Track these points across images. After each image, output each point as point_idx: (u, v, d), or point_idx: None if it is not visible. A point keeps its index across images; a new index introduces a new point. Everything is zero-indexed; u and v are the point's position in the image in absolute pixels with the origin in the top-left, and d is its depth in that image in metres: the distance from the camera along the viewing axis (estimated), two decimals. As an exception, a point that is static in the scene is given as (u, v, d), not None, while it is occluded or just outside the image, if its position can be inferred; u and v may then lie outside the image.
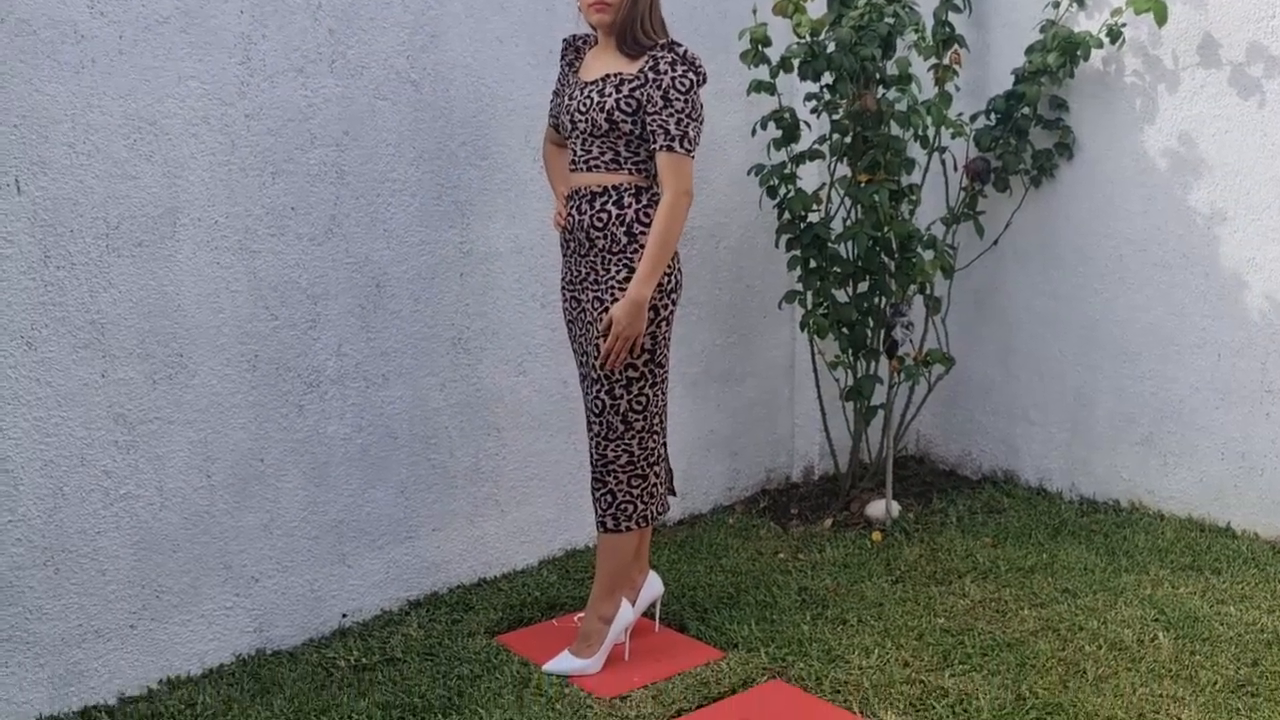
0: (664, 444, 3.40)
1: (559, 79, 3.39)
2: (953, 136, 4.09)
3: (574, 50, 3.36)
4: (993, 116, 4.31)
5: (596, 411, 3.27)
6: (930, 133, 3.96)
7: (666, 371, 3.32)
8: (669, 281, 3.23)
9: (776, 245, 4.14)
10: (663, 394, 3.32)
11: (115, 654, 3.26)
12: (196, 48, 3.20)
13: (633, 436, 3.27)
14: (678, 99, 3.11)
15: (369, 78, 3.52)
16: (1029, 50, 4.20)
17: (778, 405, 4.70)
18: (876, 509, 4.33)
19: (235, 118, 3.29)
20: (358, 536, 3.67)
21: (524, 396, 3.98)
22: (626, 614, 3.42)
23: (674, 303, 3.26)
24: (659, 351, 3.26)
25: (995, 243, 4.49)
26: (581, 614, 3.56)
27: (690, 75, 3.13)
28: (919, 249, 4.01)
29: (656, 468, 3.35)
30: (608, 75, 3.19)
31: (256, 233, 3.37)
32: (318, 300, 3.50)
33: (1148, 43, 4.03)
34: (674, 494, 3.59)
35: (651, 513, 3.37)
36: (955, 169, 4.32)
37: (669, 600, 3.76)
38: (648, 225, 3.18)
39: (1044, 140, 4.33)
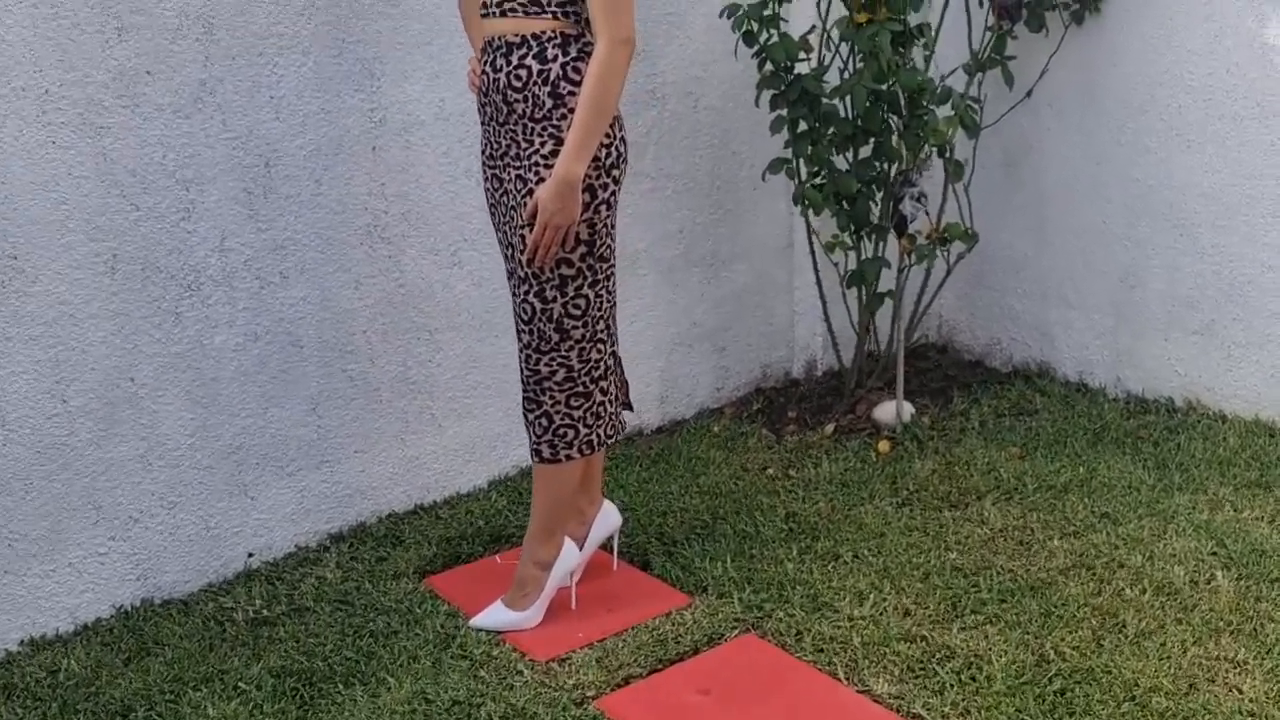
0: (613, 352, 2.78)
1: None
2: (976, -36, 3.36)
3: None
4: (1024, -62, 3.55)
5: (525, 318, 2.65)
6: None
7: (611, 265, 2.68)
8: (608, 155, 2.57)
9: (757, 103, 3.43)
10: (608, 292, 2.69)
11: (-40, 613, 2.75)
12: None
13: (570, 347, 2.66)
14: None
15: (237, -95, 2.84)
16: None
17: (774, 291, 4.04)
18: (886, 412, 3.71)
19: (61, -41, 2.64)
20: (261, 463, 3.11)
21: (460, 292, 3.36)
22: (570, 557, 2.86)
23: (615, 181, 2.61)
24: (599, 243, 2.62)
25: (1028, 94, 3.76)
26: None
27: None
28: (931, 104, 3.29)
29: (603, 382, 2.75)
30: None
31: (102, 103, 2.74)
32: (189, 185, 2.88)
33: None
34: (629, 408, 2.99)
35: (597, 437, 2.77)
36: (980, 4, 3.57)
37: (634, 529, 3.19)
38: (578, 84, 2.51)
39: (1088, -33, 3.57)
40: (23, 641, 2.84)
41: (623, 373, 2.94)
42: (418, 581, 3.03)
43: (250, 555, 3.14)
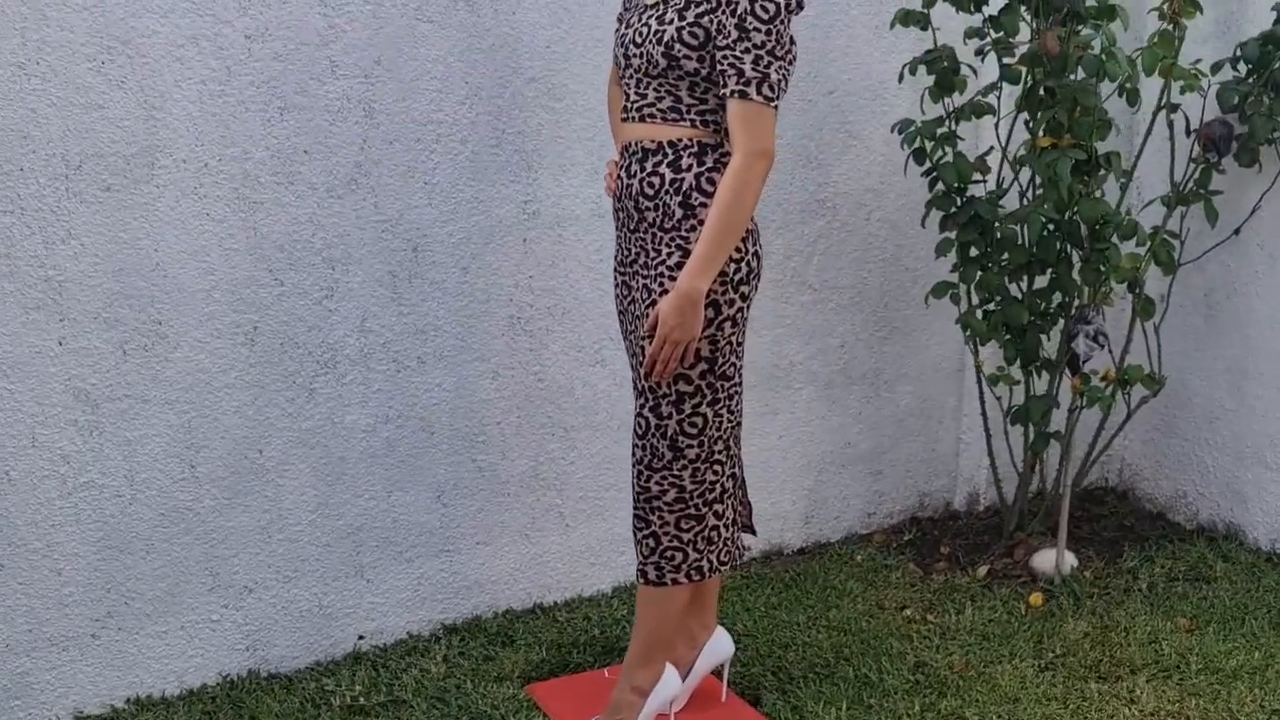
0: (733, 474, 2.64)
1: None
2: (1183, 91, 3.11)
3: None
4: (1241, 67, 3.27)
5: (640, 432, 2.55)
6: (1139, 85, 2.97)
7: (735, 385, 2.55)
8: (736, 270, 2.45)
9: (923, 224, 3.25)
10: (729, 412, 2.55)
11: (72, 665, 2.79)
12: (180, -50, 2.63)
13: (683, 467, 2.53)
14: (757, 30, 2.31)
15: (408, -6, 2.87)
16: (1301, -20, 3.14)
17: (940, 416, 3.82)
18: (1044, 560, 3.43)
19: (233, 39, 2.70)
20: (381, 546, 3.08)
21: (600, 390, 3.28)
22: (670, 685, 2.71)
23: (743, 298, 2.49)
24: (721, 360, 2.49)
25: (1236, 232, 3.46)
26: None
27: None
28: (1115, 238, 3.05)
29: (718, 505, 2.61)
30: None
31: (258, 179, 2.78)
32: (336, 264, 2.90)
33: None
34: (751, 532, 2.84)
35: (709, 563, 2.63)
36: (1187, 134, 3.31)
37: (750, 659, 3.03)
38: (711, 195, 2.41)
39: (1312, 101, 3.27)
40: (129, 699, 2.86)
41: (745, 494, 2.80)
42: (519, 687, 2.93)
43: (360, 638, 3.10)
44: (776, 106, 2.36)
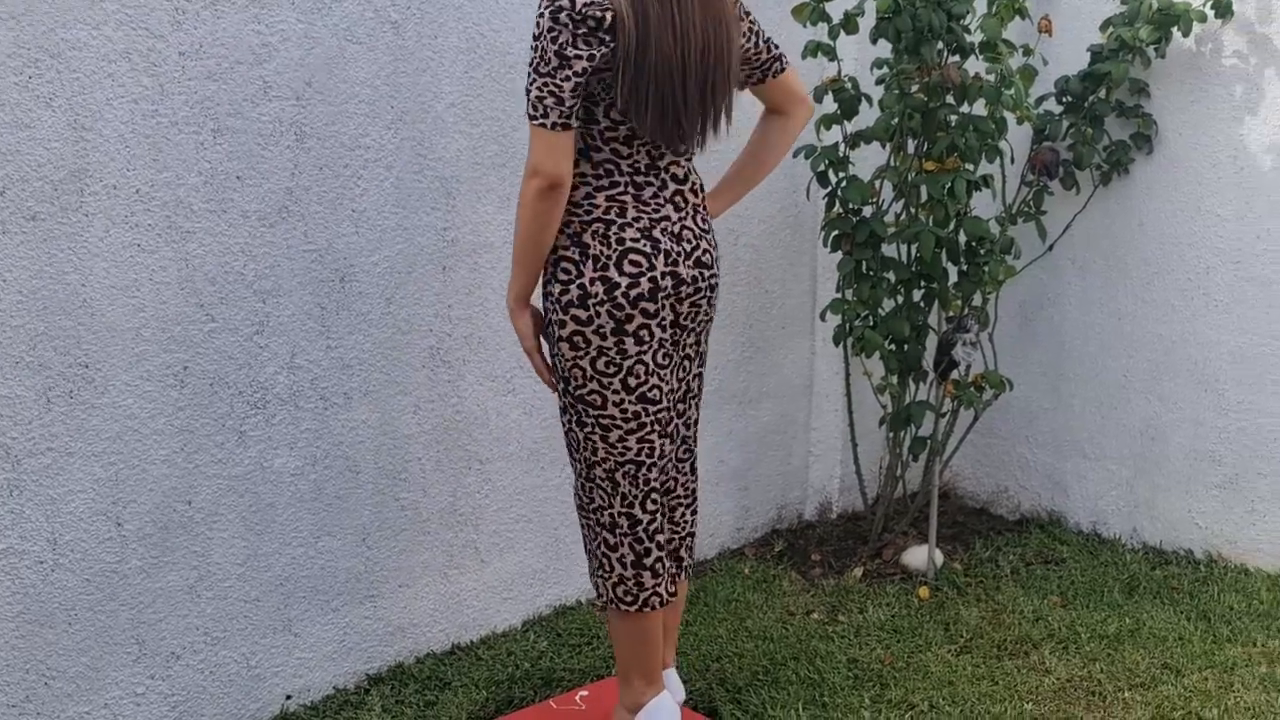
0: (642, 523, 2.49)
1: None
2: (1019, 121, 3.45)
3: None
4: (1063, 101, 3.68)
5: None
6: (1012, 114, 3.30)
7: (610, 418, 2.42)
8: (564, 292, 2.38)
9: (826, 243, 3.44)
10: (610, 446, 2.43)
11: (-13, 761, 2.45)
12: (118, -43, 2.41)
13: (579, 482, 2.55)
14: (533, 48, 2.28)
15: (339, 14, 2.75)
16: (1108, 23, 3.58)
17: (793, 431, 4.01)
18: (916, 557, 3.67)
19: (167, 55, 2.50)
20: (308, 597, 2.90)
21: (512, 420, 3.23)
22: (662, 709, 2.66)
23: (577, 322, 2.37)
24: (575, 383, 2.42)
25: (1050, 248, 3.87)
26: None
27: (545, 10, 2.25)
28: (990, 253, 3.34)
29: (609, 536, 2.51)
30: None
31: (191, 207, 2.58)
32: (267, 297, 2.72)
33: (1255, 19, 3.43)
34: (671, 597, 2.61)
35: (610, 593, 2.54)
36: (1011, 160, 3.68)
37: (691, 674, 3.06)
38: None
39: (1116, 131, 3.72)
40: (48, 793, 2.54)
41: (672, 546, 2.66)
42: (475, 729, 2.84)
43: (289, 697, 2.89)
44: (543, 124, 2.25)
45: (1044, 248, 3.85)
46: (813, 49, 3.21)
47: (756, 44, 2.49)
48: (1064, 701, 2.95)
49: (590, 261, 2.36)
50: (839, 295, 3.47)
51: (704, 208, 2.51)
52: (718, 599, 3.50)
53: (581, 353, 2.39)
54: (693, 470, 2.67)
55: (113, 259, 2.48)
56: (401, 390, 2.99)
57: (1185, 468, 3.74)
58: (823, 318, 3.52)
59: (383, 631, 3.05)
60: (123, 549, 2.58)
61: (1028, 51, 3.39)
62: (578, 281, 2.36)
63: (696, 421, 2.66)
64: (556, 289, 2.39)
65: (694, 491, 2.69)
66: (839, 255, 3.46)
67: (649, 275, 2.37)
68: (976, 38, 3.25)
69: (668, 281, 2.39)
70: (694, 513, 2.70)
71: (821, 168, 3.30)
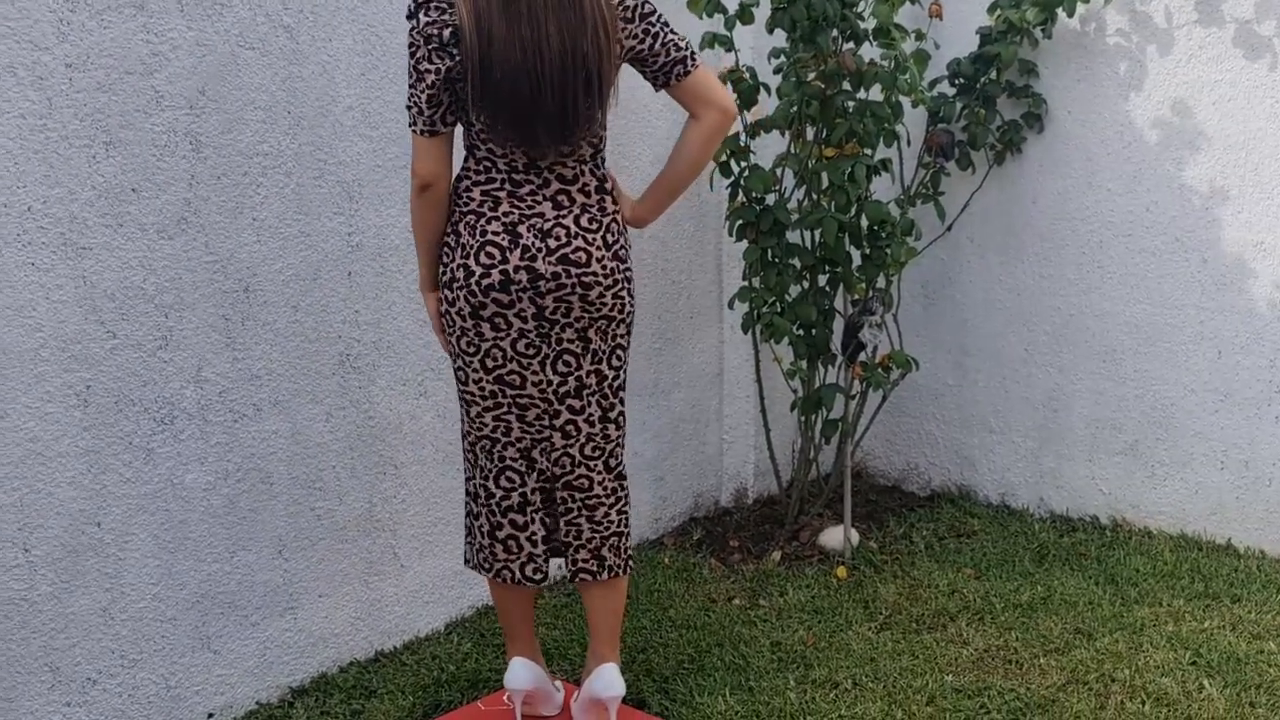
0: (495, 497, 2.65)
1: None
2: (914, 105, 3.51)
3: None
4: (955, 83, 3.75)
5: None
6: (907, 99, 3.35)
7: (470, 394, 2.60)
8: (442, 273, 2.56)
9: (731, 233, 3.47)
10: (472, 421, 2.63)
11: (-101, 802, 2.38)
12: (-3, -31, 2.34)
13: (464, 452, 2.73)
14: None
15: (231, 19, 2.70)
16: (995, 6, 3.66)
17: (705, 420, 4.04)
18: (833, 538, 3.73)
19: (53, 67, 2.44)
20: (226, 613, 2.85)
21: (425, 424, 3.22)
22: (512, 671, 2.76)
23: (446, 301, 2.56)
24: (451, 359, 2.64)
25: (948, 228, 3.94)
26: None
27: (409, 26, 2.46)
28: (891, 235, 3.40)
29: (473, 505, 2.72)
30: None
31: (86, 223, 2.52)
32: (169, 311, 2.67)
33: (1135, -2, 3.54)
34: (526, 579, 2.71)
35: (471, 557, 2.78)
36: (908, 143, 3.74)
37: (622, 668, 3.07)
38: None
39: (1008, 111, 3.80)
40: (-35, 830, 2.48)
41: (516, 540, 2.69)
42: (405, 735, 2.82)
43: (210, 715, 2.85)
44: (413, 130, 2.46)
45: (943, 228, 3.92)
46: (709, 40, 3.23)
47: (652, 47, 2.48)
48: (983, 671, 3.02)
49: (459, 249, 2.51)
50: (746, 283, 3.50)
51: (599, 209, 2.53)
52: (640, 590, 3.52)
53: (451, 330, 2.57)
54: (608, 469, 2.66)
55: (6, 279, 2.41)
56: (312, 399, 2.96)
57: (1087, 437, 3.85)
58: (731, 306, 3.56)
59: (304, 643, 3.02)
60: (31, 575, 2.52)
61: (920, 36, 3.45)
62: (449, 266, 2.53)
63: (604, 419, 2.63)
64: (439, 270, 2.56)
65: (603, 489, 2.66)
66: (744, 244, 3.49)
67: (500, 268, 2.48)
68: (870, 24, 3.30)
69: (522, 275, 2.48)
70: (610, 511, 2.68)
71: (724, 158, 3.32)
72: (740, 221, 3.38)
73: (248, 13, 2.72)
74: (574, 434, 2.61)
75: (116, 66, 2.53)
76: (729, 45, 3.26)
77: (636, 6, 2.47)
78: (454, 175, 2.55)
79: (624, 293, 2.57)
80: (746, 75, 3.27)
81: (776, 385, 3.89)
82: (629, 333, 2.63)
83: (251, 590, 2.90)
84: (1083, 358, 3.81)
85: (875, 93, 3.37)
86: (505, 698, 2.84)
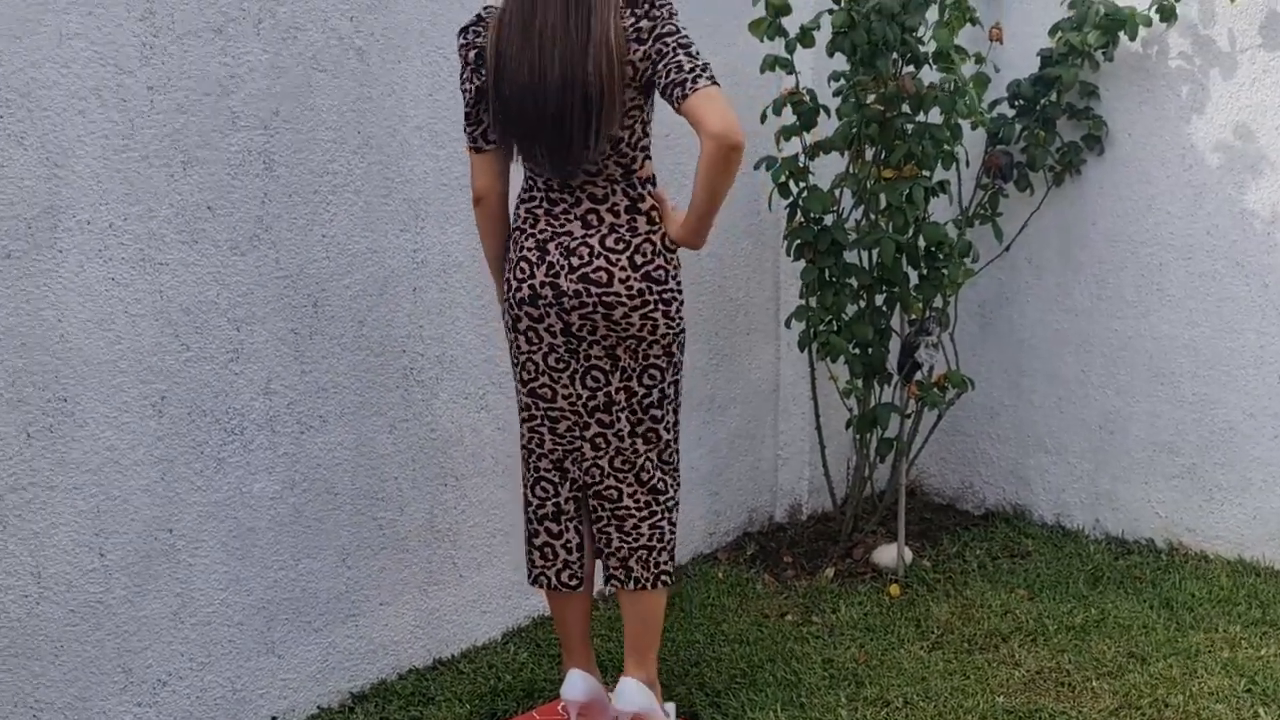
0: (531, 505, 2.82)
1: None
2: (973, 127, 3.53)
3: None
4: (1015, 105, 3.76)
5: None
6: (966, 122, 3.38)
7: (519, 403, 2.77)
8: (505, 285, 2.70)
9: (789, 252, 3.51)
10: (529, 430, 2.77)
11: (-23, 796, 2.47)
12: (84, -4, 2.44)
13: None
14: None
15: (305, 42, 2.79)
16: (1057, 28, 3.67)
17: (761, 436, 4.08)
18: (886, 556, 3.75)
19: (136, 90, 2.53)
20: (290, 619, 2.93)
21: (486, 436, 3.28)
22: (569, 683, 2.81)
23: (502, 313, 2.74)
24: (511, 365, 2.79)
25: (1006, 248, 3.95)
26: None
27: None
28: (948, 256, 3.42)
29: (525, 515, 2.85)
30: None
31: (164, 239, 2.61)
32: (240, 325, 2.75)
33: (1199, 21, 3.53)
34: (563, 585, 2.82)
35: (527, 566, 2.87)
36: (967, 164, 3.76)
37: (671, 679, 3.12)
38: None
39: (1068, 133, 3.81)
40: (39, 824, 2.56)
41: (554, 547, 2.81)
42: (461, 742, 2.88)
43: (274, 719, 2.93)
44: (469, 148, 2.63)
45: (1001, 248, 3.93)
46: (770, 63, 3.27)
47: (657, 67, 2.44)
48: (1034, 693, 3.03)
49: (508, 264, 2.66)
50: (803, 302, 3.54)
51: (629, 229, 2.56)
52: (694, 604, 3.56)
53: (515, 342, 2.69)
54: (639, 482, 2.70)
55: (88, 293, 2.51)
56: (376, 411, 3.03)
57: (1144, 459, 3.84)
58: (788, 324, 3.59)
59: (365, 650, 3.09)
60: (107, 579, 2.61)
61: (979, 59, 3.47)
62: (504, 279, 2.69)
63: (633, 434, 2.66)
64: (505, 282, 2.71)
65: (634, 501, 2.71)
66: (802, 263, 3.53)
67: (529, 283, 2.60)
68: (930, 47, 3.32)
69: (547, 291, 2.58)
70: (640, 523, 2.72)
71: (782, 179, 3.37)
72: (798, 241, 3.42)
73: (320, 36, 2.81)
74: (603, 446, 2.68)
75: (195, 89, 2.62)
76: (790, 68, 3.30)
77: (653, 26, 2.45)
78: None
79: (655, 314, 2.57)
80: (806, 97, 3.31)
81: (832, 403, 3.92)
82: (668, 353, 2.63)
83: (315, 597, 2.97)
84: (1140, 380, 3.81)
85: (934, 115, 3.40)
86: (560, 707, 2.89)
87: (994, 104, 3.79)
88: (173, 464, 2.68)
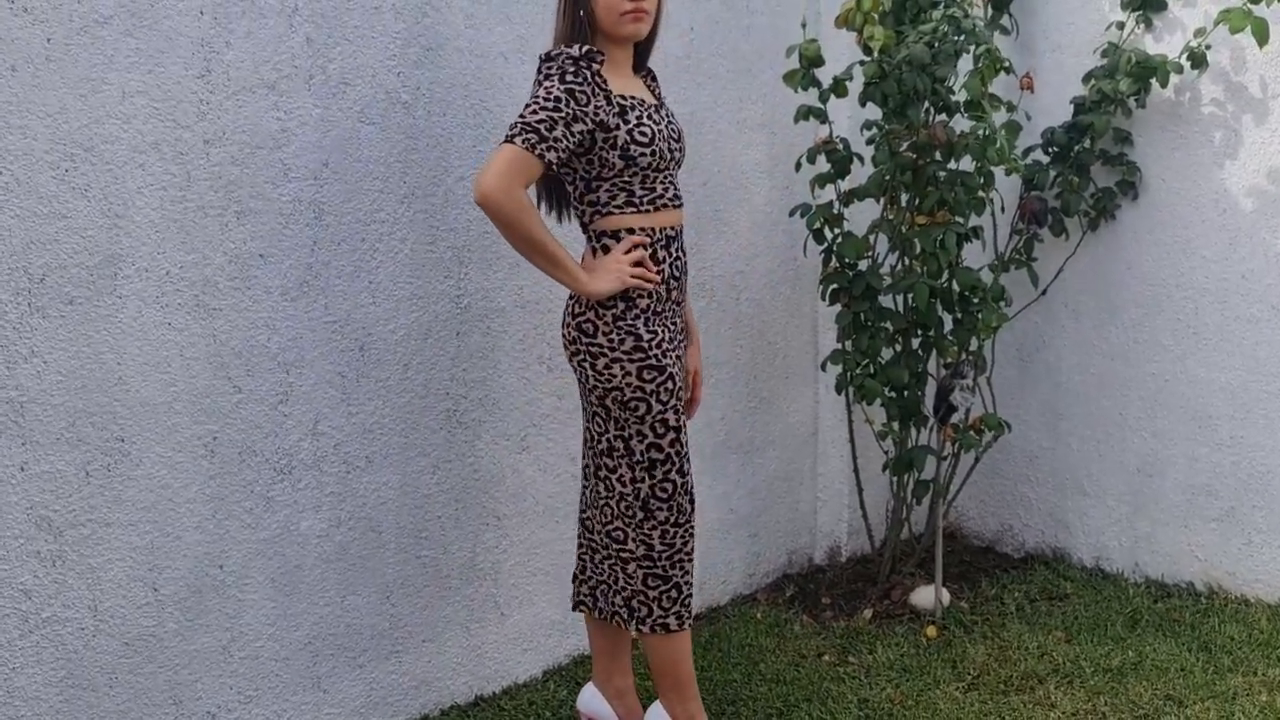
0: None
1: (582, 100, 2.69)
2: (1007, 173, 3.59)
3: (596, 64, 2.74)
4: (1049, 151, 3.81)
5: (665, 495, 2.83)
6: (1000, 168, 3.44)
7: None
8: None
9: (824, 298, 3.57)
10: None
11: (34, 822, 2.55)
12: (145, 56, 2.56)
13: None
14: None
15: (353, 97, 2.90)
16: (1089, 76, 3.72)
17: (800, 478, 4.13)
18: (924, 598, 3.77)
19: (192, 143, 2.65)
20: (335, 654, 3.01)
21: (527, 477, 3.36)
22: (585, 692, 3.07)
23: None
24: None
25: (1043, 292, 3.99)
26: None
27: None
28: (983, 301, 3.47)
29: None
30: (656, 98, 2.86)
31: (217, 285, 2.72)
32: (290, 368, 2.86)
33: (1230, 68, 3.57)
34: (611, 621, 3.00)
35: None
36: (1002, 209, 3.81)
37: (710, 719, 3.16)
38: None
39: (1102, 179, 3.85)
40: None
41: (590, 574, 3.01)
42: (500, 777, 2.94)
43: (319, 752, 3.00)
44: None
45: (1037, 293, 3.97)
46: (804, 113, 3.36)
47: None
48: (1070, 735, 3.05)
49: None
50: (839, 346, 3.59)
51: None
52: (731, 644, 3.60)
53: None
54: (602, 522, 2.86)
55: (145, 338, 2.62)
56: (420, 452, 3.12)
57: (1183, 502, 3.84)
58: (824, 368, 3.65)
59: (408, 685, 3.16)
60: (159, 613, 2.70)
61: (1011, 108, 3.53)
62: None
63: (595, 475, 2.84)
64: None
65: (600, 538, 2.87)
66: (838, 308, 3.59)
67: None
68: (961, 96, 3.39)
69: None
70: (603, 563, 2.90)
71: (817, 225, 3.44)
72: (833, 286, 3.49)
73: (369, 90, 2.92)
74: (598, 488, 2.85)
75: (249, 142, 2.73)
76: (823, 117, 3.38)
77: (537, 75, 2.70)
78: None
79: (585, 364, 2.75)
80: (840, 146, 3.39)
81: (870, 445, 3.96)
82: (604, 406, 2.75)
83: (360, 633, 3.05)
84: (1178, 423, 3.82)
85: (966, 162, 3.46)
86: None
87: (1028, 150, 3.84)
88: (223, 502, 2.78)
